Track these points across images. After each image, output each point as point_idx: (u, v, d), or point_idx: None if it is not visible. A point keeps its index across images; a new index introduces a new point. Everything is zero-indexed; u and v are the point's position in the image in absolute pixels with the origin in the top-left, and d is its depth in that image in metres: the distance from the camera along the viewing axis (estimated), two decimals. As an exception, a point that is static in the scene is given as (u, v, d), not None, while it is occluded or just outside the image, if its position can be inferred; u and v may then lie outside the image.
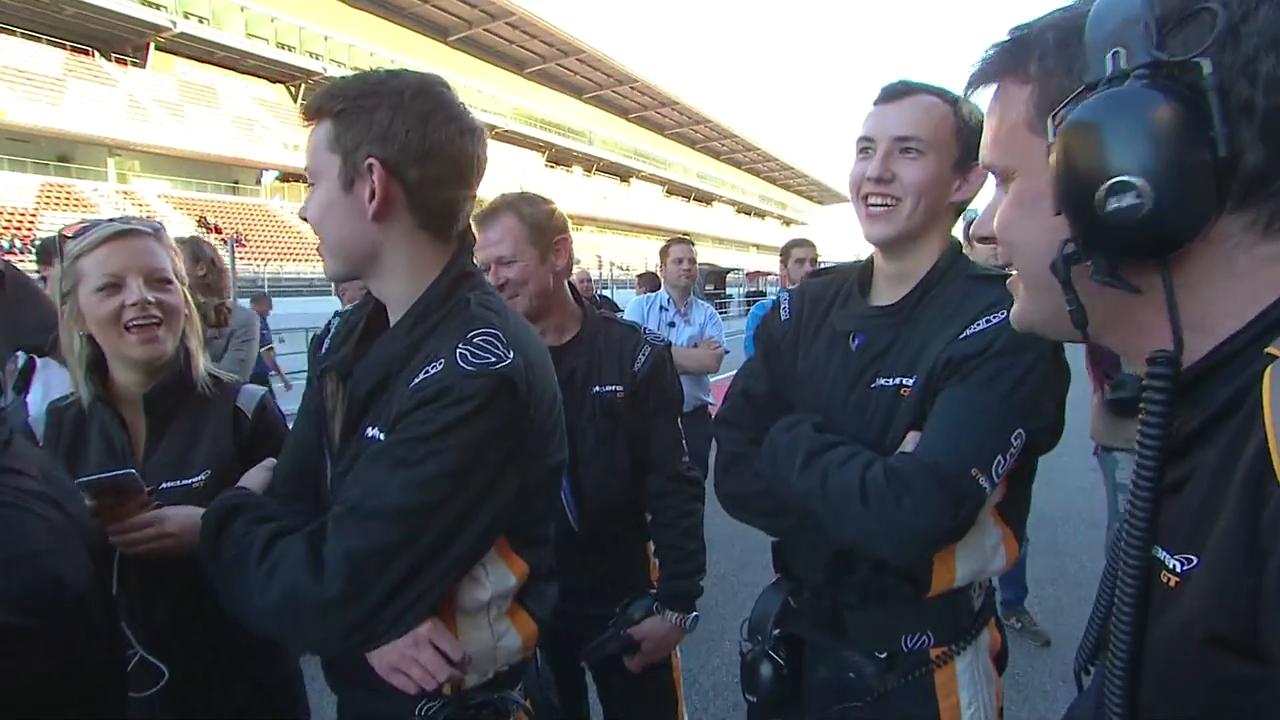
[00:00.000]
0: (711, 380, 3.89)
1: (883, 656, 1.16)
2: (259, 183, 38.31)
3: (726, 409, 1.33)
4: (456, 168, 0.98)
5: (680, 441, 1.69)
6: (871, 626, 1.17)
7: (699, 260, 3.96)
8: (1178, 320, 0.49)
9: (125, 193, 30.97)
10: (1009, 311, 1.03)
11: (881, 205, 1.14)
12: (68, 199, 28.64)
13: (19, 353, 2.27)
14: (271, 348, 6.69)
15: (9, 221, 25.15)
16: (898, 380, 1.12)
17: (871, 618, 1.17)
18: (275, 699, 1.40)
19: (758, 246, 76.66)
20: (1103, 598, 0.63)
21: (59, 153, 30.72)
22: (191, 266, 2.57)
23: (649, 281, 6.98)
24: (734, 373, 1.40)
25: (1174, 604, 0.46)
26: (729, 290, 30.72)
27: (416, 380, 0.90)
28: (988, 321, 1.05)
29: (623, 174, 64.96)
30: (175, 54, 36.71)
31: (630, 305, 4.05)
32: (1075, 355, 1.12)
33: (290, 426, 1.20)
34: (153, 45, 35.34)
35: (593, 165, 61.42)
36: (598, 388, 1.62)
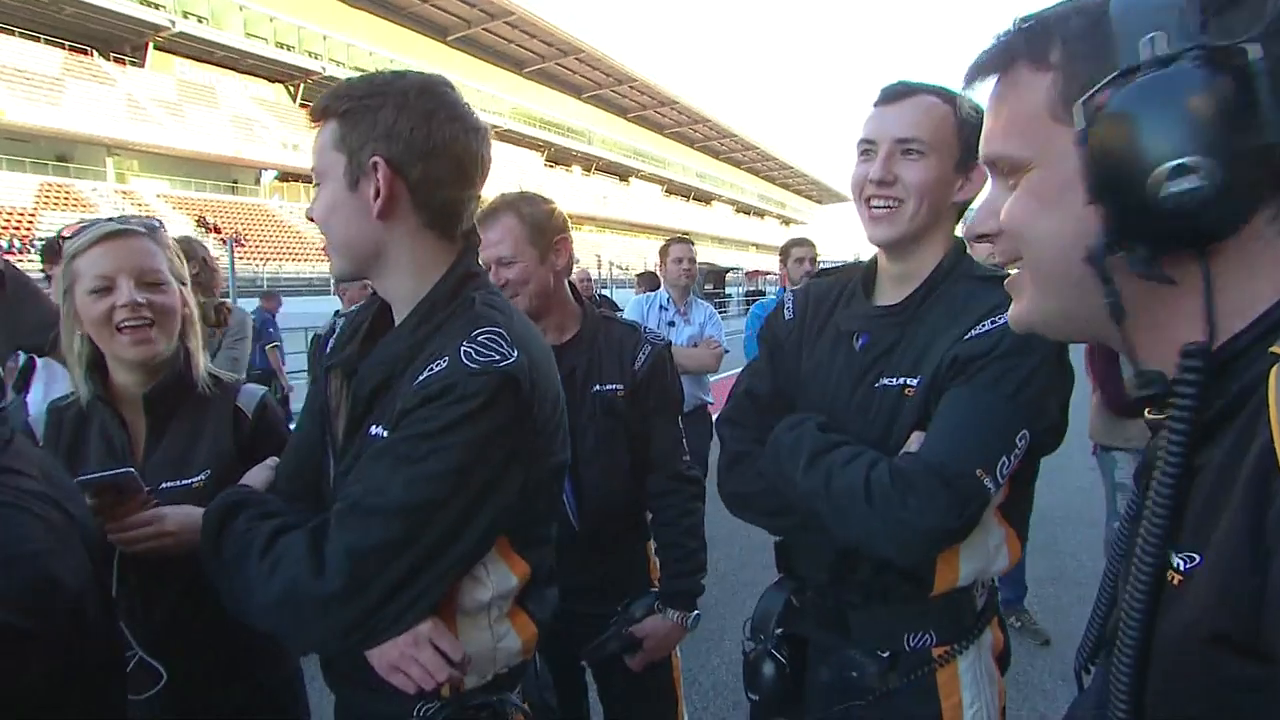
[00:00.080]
0: (711, 380, 3.89)
1: (885, 656, 1.16)
2: (258, 182, 38.32)
3: (730, 408, 1.33)
4: (460, 166, 0.98)
5: (681, 440, 1.69)
6: (874, 625, 1.17)
7: (698, 260, 3.96)
8: (1214, 311, 0.48)
9: (124, 192, 30.95)
10: None
11: (884, 207, 1.14)
12: (67, 199, 28.63)
13: (19, 352, 2.27)
14: (277, 345, 6.62)
15: (8, 221, 25.15)
16: (902, 380, 1.12)
17: (874, 617, 1.17)
18: (275, 699, 1.39)
19: (757, 246, 76.67)
20: (1103, 597, 0.63)
21: (58, 152, 30.71)
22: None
23: (648, 281, 6.98)
24: (734, 372, 1.40)
25: (1177, 602, 0.46)
26: (728, 290, 30.72)
27: (421, 378, 0.91)
28: (993, 323, 1.05)
29: (622, 173, 64.98)
30: (174, 53, 36.70)
31: (630, 305, 4.05)
32: (1075, 356, 1.12)
33: (290, 426, 1.20)
34: (151, 45, 35.34)
35: (592, 165, 61.44)
36: (598, 387, 1.62)
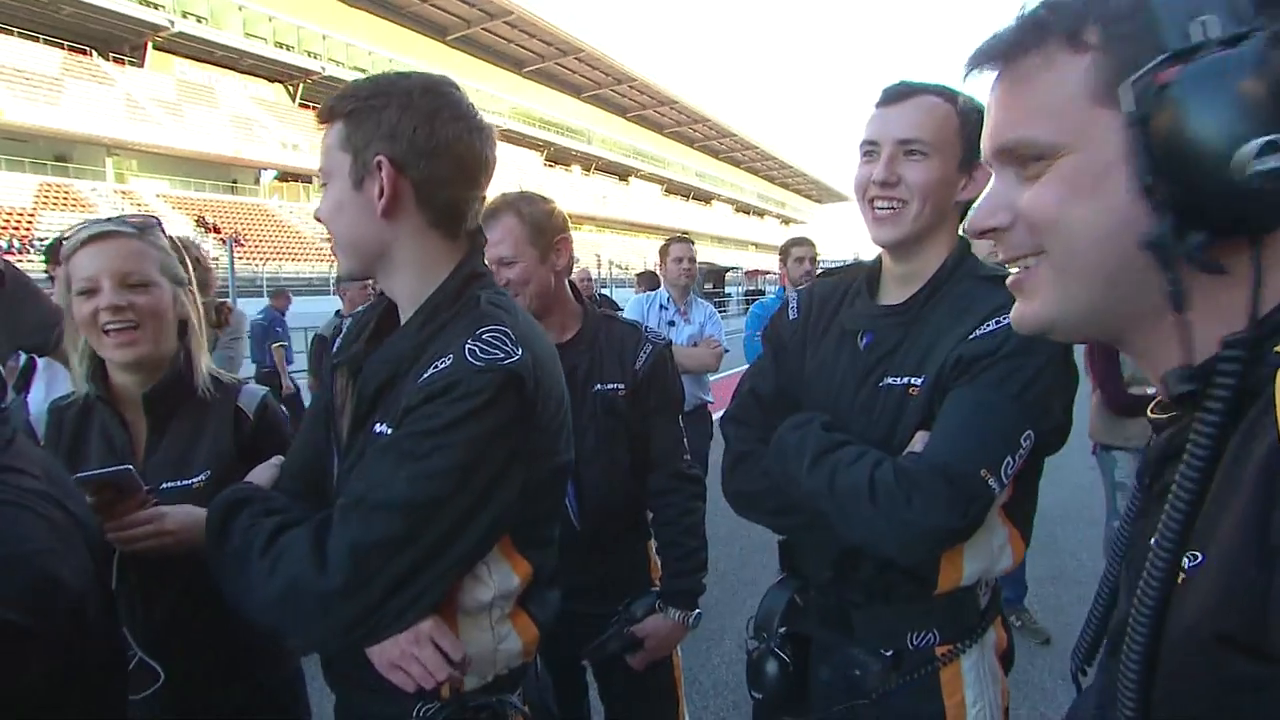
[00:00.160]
0: (711, 379, 3.89)
1: (888, 654, 1.16)
2: (258, 182, 38.31)
3: (735, 407, 1.33)
4: (463, 165, 0.99)
5: (682, 440, 1.70)
6: (878, 624, 1.17)
7: (698, 259, 3.96)
8: (1259, 301, 0.47)
9: (123, 192, 30.95)
10: None
11: (888, 208, 1.14)
12: (66, 199, 28.62)
13: (19, 352, 2.27)
14: (284, 345, 6.59)
15: (7, 221, 25.15)
16: (906, 379, 1.12)
17: (878, 615, 1.17)
18: (275, 699, 1.39)
19: (756, 245, 76.67)
20: (1102, 597, 0.62)
21: (57, 152, 30.70)
22: None
23: (648, 280, 6.98)
24: (734, 371, 1.41)
25: (1183, 601, 0.46)
26: (728, 289, 30.72)
27: (425, 375, 0.91)
28: (997, 323, 1.05)
29: (621, 173, 64.98)
30: (173, 53, 36.69)
31: (630, 304, 4.05)
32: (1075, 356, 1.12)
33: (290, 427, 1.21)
34: (151, 45, 35.33)
35: (591, 164, 61.44)
36: (599, 386, 1.62)
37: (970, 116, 1.12)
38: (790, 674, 1.22)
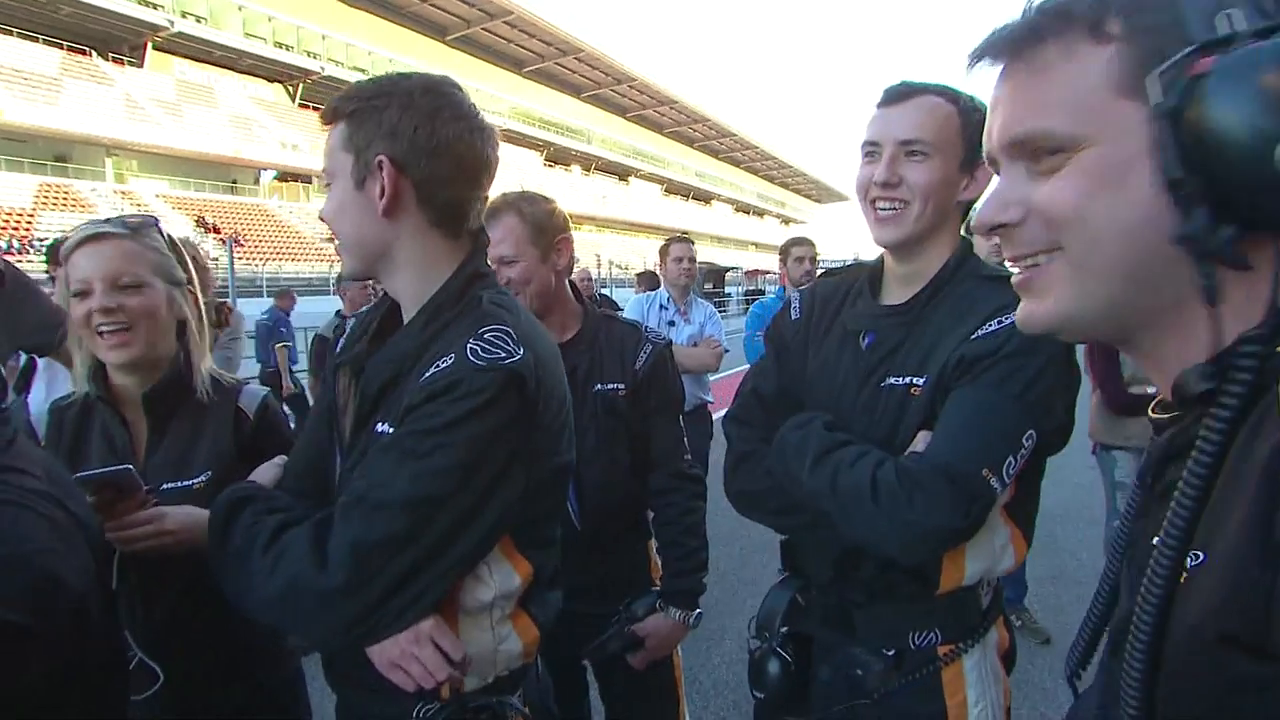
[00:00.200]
0: (711, 379, 3.89)
1: (890, 654, 1.16)
2: (257, 182, 38.30)
3: (737, 407, 1.33)
4: (464, 165, 0.99)
5: (682, 439, 1.70)
6: (879, 624, 1.17)
7: (697, 259, 3.96)
8: None
9: (123, 193, 30.95)
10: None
11: (890, 209, 1.14)
12: (65, 199, 28.62)
13: (19, 353, 2.27)
14: (288, 345, 6.59)
15: (7, 221, 25.15)
16: (908, 379, 1.12)
17: (879, 615, 1.17)
18: (276, 699, 1.39)
19: (756, 245, 76.67)
20: (1100, 598, 0.62)
21: (56, 153, 30.70)
22: None
23: (648, 280, 6.98)
24: (734, 371, 1.41)
25: (1185, 600, 0.46)
26: (728, 289, 30.72)
27: (427, 374, 0.91)
28: (1000, 322, 1.05)
29: (621, 173, 64.98)
30: (173, 53, 36.69)
31: (630, 304, 4.06)
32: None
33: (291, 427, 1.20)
34: (150, 45, 35.33)
35: (591, 164, 61.45)
36: (599, 386, 1.62)
37: (972, 116, 1.12)
38: (792, 674, 1.22)
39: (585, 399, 1.59)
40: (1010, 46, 0.55)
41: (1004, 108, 0.56)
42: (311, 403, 4.96)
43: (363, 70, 41.29)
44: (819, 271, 3.78)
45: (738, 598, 3.61)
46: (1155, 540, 0.49)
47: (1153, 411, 0.58)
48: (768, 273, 31.74)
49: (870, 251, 1.30)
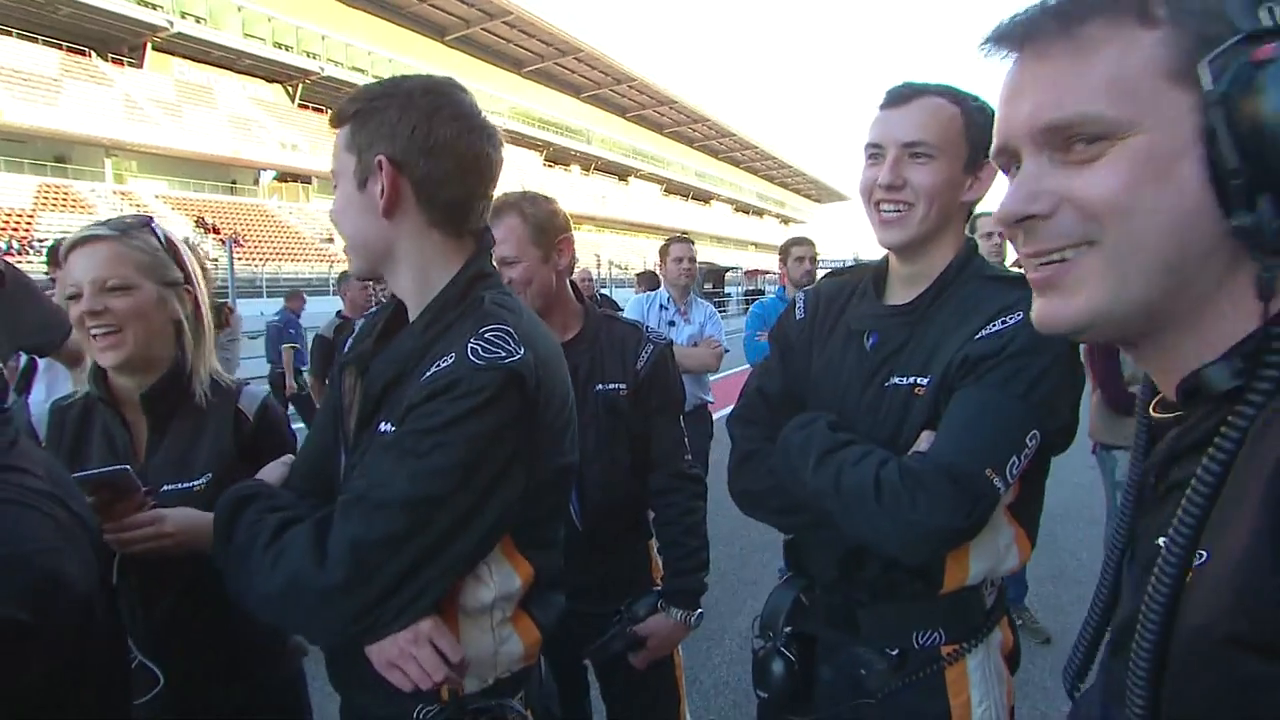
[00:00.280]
0: (711, 379, 3.89)
1: (894, 653, 1.16)
2: (257, 183, 38.26)
3: (742, 406, 1.34)
4: (463, 165, 0.99)
5: (683, 440, 1.70)
6: (883, 623, 1.17)
7: (697, 259, 3.96)
8: None
9: (122, 193, 30.92)
10: (1026, 313, 1.04)
11: (894, 211, 1.14)
12: (65, 199, 28.60)
13: (20, 353, 2.27)
14: (295, 347, 6.59)
15: (6, 222, 25.11)
16: (912, 379, 1.12)
17: (883, 614, 1.17)
18: (276, 699, 1.39)
19: (756, 245, 76.68)
20: (1099, 601, 0.62)
21: (56, 153, 30.67)
22: None
23: (648, 280, 6.98)
24: (734, 371, 1.41)
25: (1190, 600, 0.46)
26: (727, 289, 30.72)
27: (428, 373, 0.92)
28: (1004, 322, 1.05)
29: (621, 173, 64.95)
30: (172, 54, 36.65)
31: (630, 304, 4.06)
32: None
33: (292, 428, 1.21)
34: (149, 45, 35.28)
35: (591, 164, 61.41)
36: (600, 386, 1.62)
37: (975, 117, 1.12)
38: (796, 673, 1.22)
39: (586, 399, 1.59)
40: (1057, 20, 0.52)
41: (1036, 91, 0.52)
42: (316, 403, 4.98)
43: (362, 70, 41.29)
44: (823, 272, 3.78)
45: (738, 598, 3.61)
46: (1160, 540, 0.49)
47: (1154, 410, 0.58)
48: (767, 273, 31.76)
49: (870, 251, 1.30)
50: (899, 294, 1.22)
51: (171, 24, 34.51)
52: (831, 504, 1.06)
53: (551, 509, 1.05)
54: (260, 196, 37.54)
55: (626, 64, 57.06)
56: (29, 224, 25.62)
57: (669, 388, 1.69)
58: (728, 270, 33.33)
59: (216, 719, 1.30)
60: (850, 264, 1.42)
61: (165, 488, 1.26)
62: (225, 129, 36.01)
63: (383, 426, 0.97)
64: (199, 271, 1.39)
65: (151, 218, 1.37)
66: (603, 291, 11.85)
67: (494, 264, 1.07)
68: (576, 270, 3.28)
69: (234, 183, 36.83)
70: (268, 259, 29.80)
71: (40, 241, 22.31)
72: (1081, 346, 1.21)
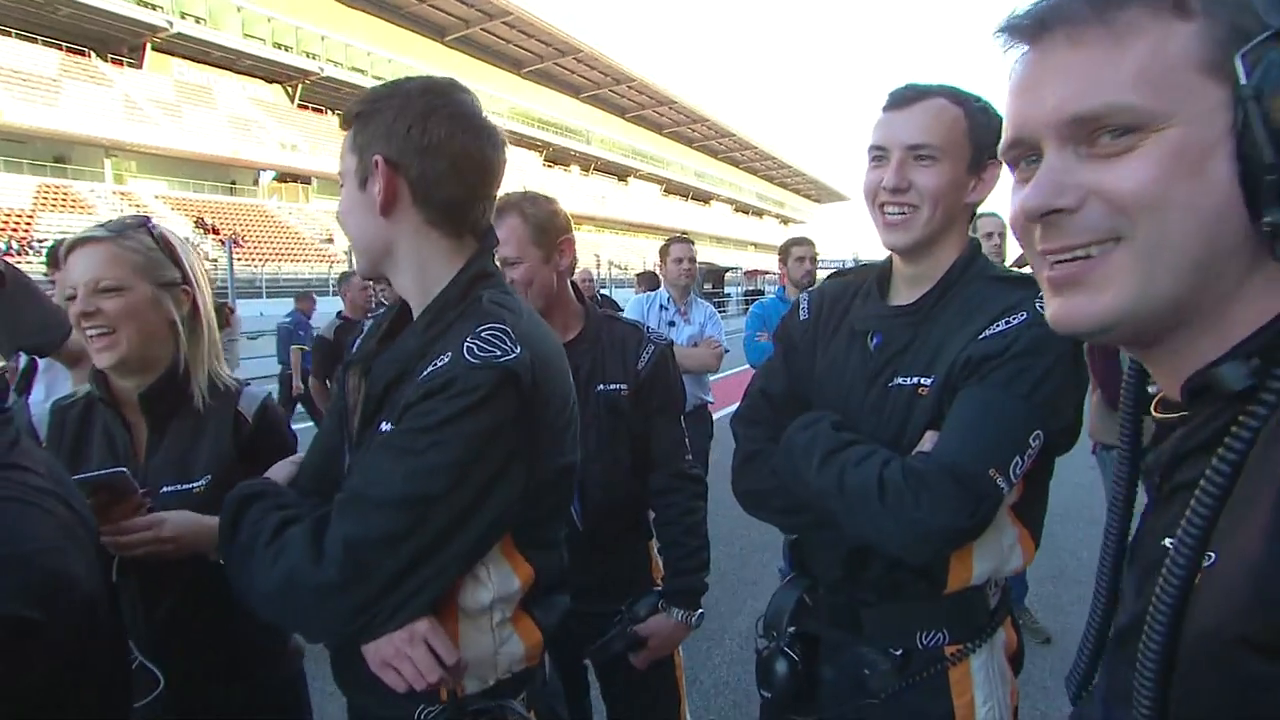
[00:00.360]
0: (711, 379, 3.90)
1: (898, 653, 1.16)
2: (256, 183, 38.24)
3: (745, 407, 1.34)
4: (459, 164, 0.99)
5: (683, 440, 1.70)
6: (887, 623, 1.17)
7: (697, 259, 3.96)
8: None
9: (122, 193, 30.90)
10: (1030, 314, 1.04)
11: (899, 214, 1.14)
12: (65, 200, 28.58)
13: (20, 354, 2.27)
14: (304, 349, 6.62)
15: (6, 222, 25.09)
16: (915, 379, 1.12)
17: (887, 614, 1.17)
18: (276, 699, 1.39)
19: (756, 245, 76.64)
20: (1099, 603, 0.61)
21: (55, 153, 30.65)
22: None
23: (648, 280, 7.00)
24: (734, 371, 1.41)
25: (1198, 601, 0.45)
26: (727, 289, 30.73)
27: (425, 372, 0.92)
28: (1007, 323, 1.06)
29: (620, 173, 64.94)
30: (172, 54, 36.62)
31: (630, 304, 4.06)
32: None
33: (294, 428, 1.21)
34: (149, 45, 35.25)
35: (590, 164, 61.40)
36: (601, 386, 1.62)
37: (978, 118, 1.12)
38: (800, 673, 1.22)
39: (587, 399, 1.59)
40: (1092, 6, 0.50)
41: (1065, 80, 0.50)
42: (317, 404, 4.97)
43: (361, 71, 41.28)
44: (818, 271, 3.78)
45: (738, 598, 3.61)
46: (1166, 542, 0.49)
47: (1155, 410, 0.57)
48: (767, 273, 31.76)
49: (870, 251, 1.31)
50: (903, 294, 1.22)
51: (171, 24, 34.49)
52: (835, 504, 1.06)
53: (552, 509, 1.05)
54: (260, 197, 37.51)
55: (626, 64, 57.08)
56: (28, 224, 25.59)
57: (670, 388, 1.69)
58: (727, 270, 33.34)
59: (217, 719, 1.30)
60: (850, 264, 1.43)
61: (164, 489, 1.27)
62: (225, 129, 35.99)
63: (384, 426, 0.97)
64: (198, 271, 1.38)
65: (148, 218, 1.37)
66: (603, 292, 11.87)
67: (496, 264, 1.06)
68: (577, 271, 3.28)
69: (233, 183, 36.81)
70: (267, 259, 29.78)
71: (40, 242, 22.29)
72: (1085, 348, 1.22)
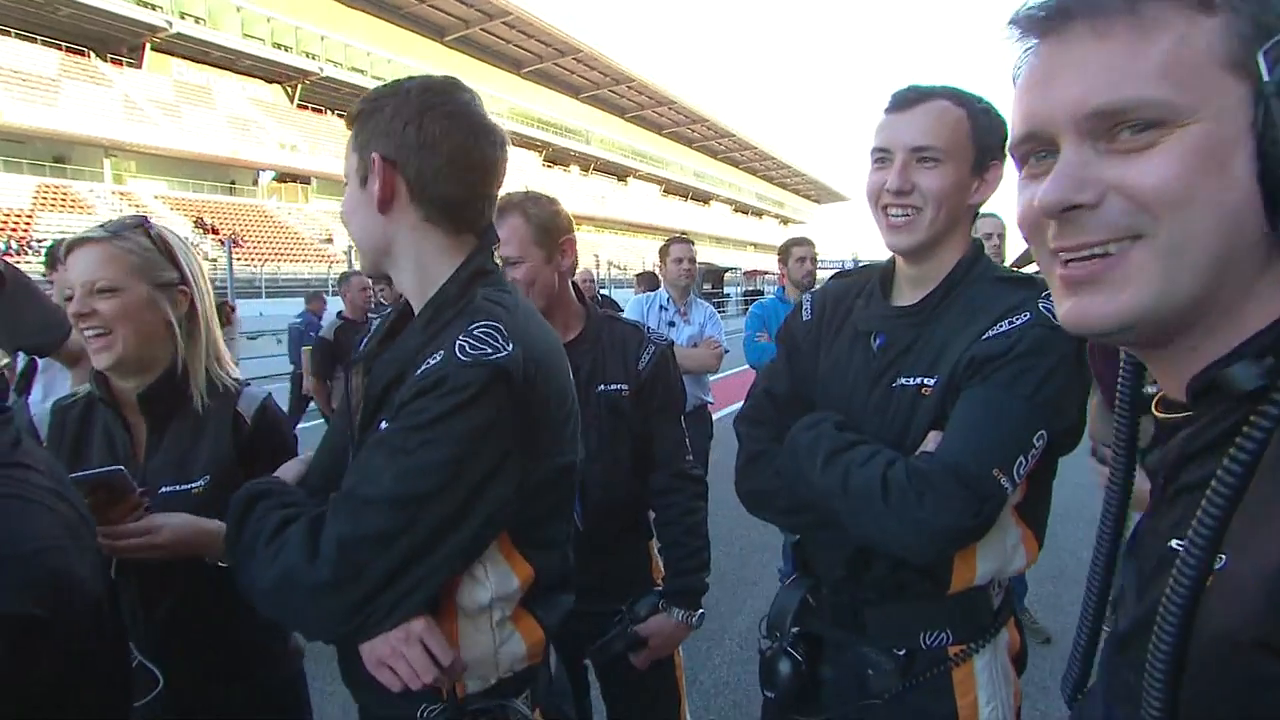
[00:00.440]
0: (711, 379, 3.90)
1: (901, 654, 1.16)
2: (256, 183, 38.20)
3: (749, 407, 1.34)
4: (456, 161, 0.99)
5: (684, 440, 1.70)
6: (890, 623, 1.18)
7: (697, 259, 3.96)
8: None
9: (122, 193, 30.87)
10: (1034, 314, 1.04)
11: (903, 216, 1.14)
12: (64, 200, 28.55)
13: (19, 354, 2.27)
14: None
15: (5, 222, 25.06)
16: (919, 380, 1.12)
17: (891, 614, 1.17)
18: (276, 699, 1.39)
19: (755, 245, 76.64)
20: (1090, 607, 0.61)
21: (55, 153, 30.62)
22: None
23: (648, 281, 6.99)
24: (734, 372, 1.42)
25: (1209, 603, 0.45)
26: (727, 289, 30.73)
27: (418, 371, 0.92)
28: (1010, 323, 1.06)
29: (620, 173, 64.92)
30: (171, 54, 36.58)
31: (630, 305, 4.06)
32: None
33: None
34: (148, 45, 35.22)
35: (590, 165, 61.38)
36: (602, 386, 1.63)
37: (980, 119, 1.13)
38: (803, 673, 1.22)
39: (588, 399, 1.59)
40: (1100, 3, 0.49)
41: (1088, 73, 0.49)
42: (318, 404, 4.97)
43: (361, 71, 41.24)
44: (818, 271, 3.79)
45: (738, 598, 3.61)
46: (1174, 543, 0.48)
47: (1156, 410, 0.56)
48: (767, 273, 31.77)
49: (869, 252, 1.31)
50: (906, 295, 1.22)
51: (170, 24, 34.44)
52: (839, 504, 1.06)
53: (552, 508, 1.05)
54: (259, 197, 37.47)
55: (625, 64, 57.06)
56: (28, 224, 25.56)
57: (670, 388, 1.70)
58: (727, 270, 33.34)
59: (217, 719, 1.30)
60: (849, 265, 1.43)
61: (163, 489, 1.27)
62: (224, 129, 35.96)
63: (383, 425, 0.97)
64: (197, 272, 1.38)
65: (146, 218, 1.37)
66: (603, 292, 11.87)
67: (496, 261, 1.06)
68: (578, 271, 3.29)
69: (233, 183, 36.77)
70: (266, 259, 29.72)
71: (39, 242, 22.25)
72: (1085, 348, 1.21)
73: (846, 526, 1.07)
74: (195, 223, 30.11)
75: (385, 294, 5.05)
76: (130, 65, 35.12)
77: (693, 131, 73.17)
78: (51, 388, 2.30)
